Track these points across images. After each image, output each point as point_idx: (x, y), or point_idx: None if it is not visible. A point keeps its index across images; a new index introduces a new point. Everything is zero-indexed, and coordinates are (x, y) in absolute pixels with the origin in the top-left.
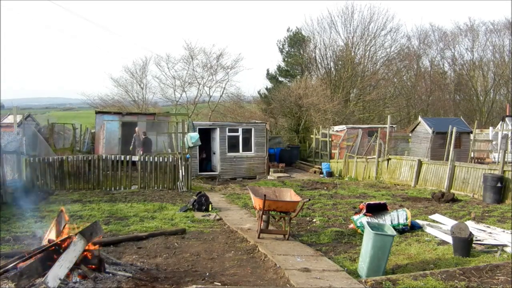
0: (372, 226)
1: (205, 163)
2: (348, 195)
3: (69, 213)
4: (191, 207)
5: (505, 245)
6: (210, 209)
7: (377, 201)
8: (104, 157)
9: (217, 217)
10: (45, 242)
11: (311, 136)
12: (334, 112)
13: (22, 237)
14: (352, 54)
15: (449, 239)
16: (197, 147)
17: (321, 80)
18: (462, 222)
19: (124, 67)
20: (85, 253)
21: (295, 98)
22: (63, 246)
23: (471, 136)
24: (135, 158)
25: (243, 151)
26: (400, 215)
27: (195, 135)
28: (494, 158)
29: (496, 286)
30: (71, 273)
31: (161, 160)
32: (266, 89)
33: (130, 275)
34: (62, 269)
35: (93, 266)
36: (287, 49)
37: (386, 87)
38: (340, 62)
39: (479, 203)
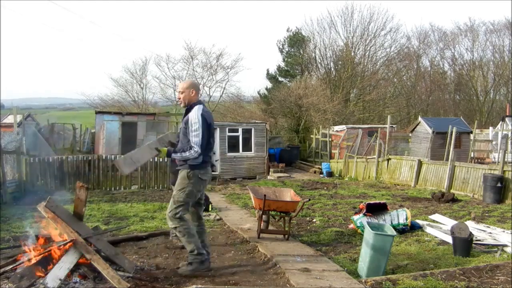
0: (372, 226)
1: None
2: (348, 195)
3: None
4: None
5: (505, 245)
6: (210, 209)
7: (377, 201)
8: (104, 157)
9: (217, 217)
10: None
11: (311, 136)
12: (334, 112)
13: (22, 237)
14: (352, 54)
15: (449, 239)
16: None
17: (321, 80)
18: (462, 222)
19: (124, 67)
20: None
21: (295, 98)
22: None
23: (471, 136)
24: None
25: (243, 151)
26: (400, 215)
27: None
28: (494, 158)
29: (496, 286)
30: (72, 274)
31: (161, 160)
32: (266, 89)
33: (130, 275)
34: (62, 270)
35: (94, 266)
36: (287, 49)
37: (386, 87)
38: (340, 62)
39: (479, 203)
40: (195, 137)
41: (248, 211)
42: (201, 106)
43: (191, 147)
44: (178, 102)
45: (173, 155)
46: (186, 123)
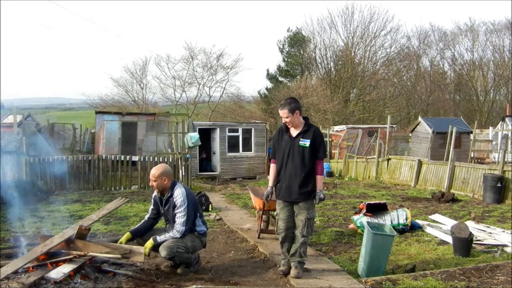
0: (372, 226)
1: (205, 163)
2: (348, 195)
3: (69, 213)
4: None
5: (505, 245)
6: (210, 209)
7: (377, 201)
8: (104, 157)
9: (217, 217)
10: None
11: None
12: (334, 112)
13: (22, 237)
14: (352, 54)
15: (449, 239)
16: (197, 147)
17: (321, 80)
18: (462, 222)
19: (124, 67)
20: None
21: None
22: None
23: (471, 136)
24: (135, 158)
25: (243, 151)
26: (400, 215)
27: (195, 135)
28: (494, 158)
29: (496, 286)
30: (75, 274)
31: (161, 160)
32: (266, 89)
33: (131, 274)
34: (66, 269)
35: (95, 266)
36: (287, 49)
37: (386, 87)
38: (340, 62)
39: (479, 203)
40: (181, 218)
41: (248, 211)
42: (180, 186)
43: (175, 229)
44: (152, 188)
45: (158, 239)
46: (174, 207)
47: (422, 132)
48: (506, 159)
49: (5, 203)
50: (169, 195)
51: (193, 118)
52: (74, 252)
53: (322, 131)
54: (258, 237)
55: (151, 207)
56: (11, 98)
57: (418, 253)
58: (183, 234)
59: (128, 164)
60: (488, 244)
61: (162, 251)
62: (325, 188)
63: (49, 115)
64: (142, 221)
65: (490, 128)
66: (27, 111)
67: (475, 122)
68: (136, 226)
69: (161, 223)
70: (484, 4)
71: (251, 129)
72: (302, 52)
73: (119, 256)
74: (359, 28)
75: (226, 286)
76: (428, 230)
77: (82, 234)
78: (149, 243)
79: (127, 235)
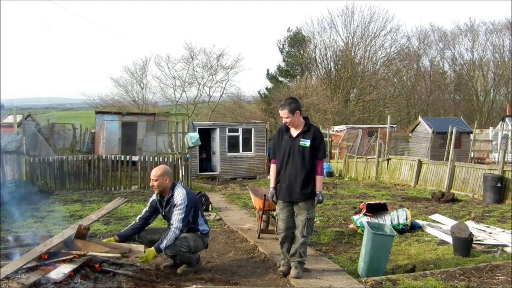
0: (372, 226)
1: (205, 163)
2: (348, 195)
3: (69, 213)
4: None
5: (505, 245)
6: (210, 209)
7: (377, 201)
8: (104, 157)
9: (217, 217)
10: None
11: None
12: (334, 112)
13: (22, 237)
14: (352, 54)
15: (449, 239)
16: (197, 147)
17: (321, 80)
18: (462, 222)
19: (124, 67)
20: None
21: None
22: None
23: (471, 136)
24: (135, 158)
25: (243, 151)
26: (400, 215)
27: (195, 135)
28: (494, 158)
29: (496, 286)
30: (75, 274)
31: (161, 160)
32: (266, 89)
33: (131, 274)
34: (66, 269)
35: (95, 266)
36: (287, 49)
37: (386, 87)
38: (340, 62)
39: (479, 203)
40: (179, 215)
41: (248, 211)
42: (180, 186)
43: (172, 226)
44: (152, 189)
45: (161, 246)
46: (174, 206)
47: (422, 132)
48: (506, 159)
49: (5, 203)
50: (169, 195)
51: (193, 118)
52: (74, 252)
53: (322, 131)
54: (258, 237)
55: (146, 209)
56: (11, 98)
57: (418, 253)
58: (181, 231)
59: (128, 164)
60: (488, 244)
61: (165, 249)
62: (325, 188)
63: (49, 115)
64: (132, 223)
65: (490, 128)
66: (27, 111)
67: (475, 122)
68: (124, 229)
69: (156, 223)
70: (484, 4)
71: (251, 129)
72: (302, 52)
73: (119, 255)
74: (359, 28)
75: (226, 286)
76: (428, 230)
77: (81, 234)
78: (151, 253)
79: (111, 239)
